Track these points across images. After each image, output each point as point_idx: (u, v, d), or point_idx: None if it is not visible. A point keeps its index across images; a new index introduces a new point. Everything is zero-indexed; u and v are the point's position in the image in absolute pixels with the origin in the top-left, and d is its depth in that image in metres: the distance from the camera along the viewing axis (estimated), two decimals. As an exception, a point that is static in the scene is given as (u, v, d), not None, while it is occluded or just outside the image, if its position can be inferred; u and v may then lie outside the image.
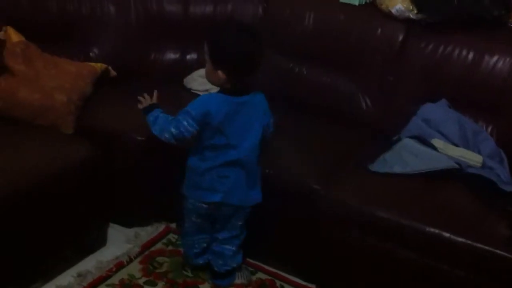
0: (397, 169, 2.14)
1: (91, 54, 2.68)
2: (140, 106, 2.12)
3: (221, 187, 2.06)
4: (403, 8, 2.45)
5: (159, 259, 2.37)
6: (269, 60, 2.72)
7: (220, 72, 1.95)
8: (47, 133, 2.24)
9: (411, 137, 2.24)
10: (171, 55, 2.85)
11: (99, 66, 2.54)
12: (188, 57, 2.87)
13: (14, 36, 2.41)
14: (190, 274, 2.29)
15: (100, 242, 2.42)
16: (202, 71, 2.75)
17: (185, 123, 1.98)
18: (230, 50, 1.93)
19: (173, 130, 2.00)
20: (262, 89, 2.65)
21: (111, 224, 2.49)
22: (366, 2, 2.65)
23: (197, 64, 2.84)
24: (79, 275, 2.24)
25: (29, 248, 2.05)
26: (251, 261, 2.37)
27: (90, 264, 2.30)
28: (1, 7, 2.44)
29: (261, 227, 2.27)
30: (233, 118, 2.00)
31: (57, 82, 2.34)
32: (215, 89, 2.65)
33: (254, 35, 1.97)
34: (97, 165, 2.22)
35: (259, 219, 2.25)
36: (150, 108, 2.10)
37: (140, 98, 2.13)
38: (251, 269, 2.34)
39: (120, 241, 2.45)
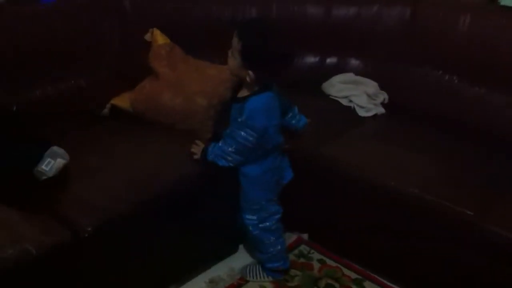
0: None
1: (230, 57, 2.67)
2: (196, 157, 2.06)
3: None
4: None
5: (291, 271, 2.29)
6: (416, 70, 2.58)
7: (251, 72, 1.90)
8: (186, 138, 2.24)
9: None
10: (311, 59, 2.76)
11: (238, 69, 2.51)
12: (328, 61, 2.76)
13: (160, 38, 2.46)
14: (322, 291, 2.21)
15: (231, 248, 2.40)
16: (341, 77, 2.69)
17: (243, 133, 1.94)
18: (268, 55, 1.87)
19: (230, 149, 1.97)
20: (406, 102, 2.53)
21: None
22: (531, 5, 2.38)
23: (337, 69, 2.75)
24: (211, 281, 2.24)
25: (162, 251, 2.06)
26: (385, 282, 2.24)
27: (222, 271, 2.29)
28: (148, 11, 2.49)
29: (398, 248, 2.14)
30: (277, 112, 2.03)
31: (198, 86, 2.33)
32: (356, 97, 2.58)
33: (286, 37, 1.97)
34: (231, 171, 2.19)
35: (401, 239, 2.12)
36: (205, 153, 2.04)
37: (192, 149, 2.08)
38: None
39: (250, 249, 2.40)
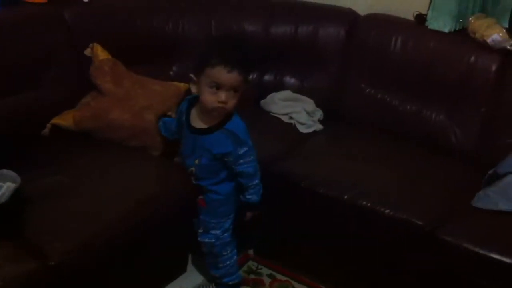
0: (503, 207, 2.05)
1: (171, 73, 2.63)
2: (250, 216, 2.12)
3: None
4: (499, 38, 2.38)
5: (243, 288, 2.30)
6: (351, 87, 2.69)
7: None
8: (137, 156, 2.18)
9: (518, 173, 2.16)
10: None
11: (183, 86, 2.46)
12: (266, 78, 2.81)
13: (101, 53, 2.36)
14: (278, 306, 2.23)
15: (180, 269, 2.35)
16: (282, 94, 2.74)
17: (253, 157, 2.00)
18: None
19: (259, 176, 2.05)
20: (341, 118, 2.64)
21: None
22: (455, 29, 2.57)
23: (274, 86, 2.80)
24: (165, 303, 2.19)
25: (118, 276, 1.98)
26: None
27: (174, 292, 2.25)
28: (87, 24, 2.39)
29: (349, 259, 2.23)
30: None
31: (146, 101, 2.28)
32: (297, 114, 2.64)
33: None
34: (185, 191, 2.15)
35: (352, 250, 2.21)
36: (253, 205, 2.09)
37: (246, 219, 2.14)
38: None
39: (199, 269, 2.38)
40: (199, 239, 2.16)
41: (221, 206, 2.10)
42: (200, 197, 2.11)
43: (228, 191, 2.07)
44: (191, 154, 2.04)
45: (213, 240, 2.12)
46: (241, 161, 1.98)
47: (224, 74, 1.84)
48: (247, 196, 2.05)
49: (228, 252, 2.17)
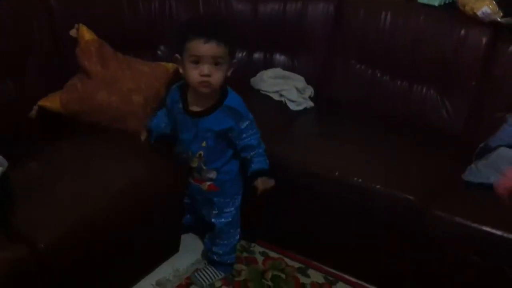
0: (494, 180, 2.06)
1: (159, 52, 2.60)
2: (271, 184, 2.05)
3: None
4: (489, 11, 2.36)
5: (237, 266, 2.30)
6: (341, 64, 2.66)
7: (229, 74, 1.91)
8: (125, 138, 2.15)
9: (508, 146, 2.15)
10: (238, 54, 2.75)
11: (171, 66, 2.43)
12: (255, 56, 2.78)
13: (86, 34, 2.32)
14: (270, 283, 2.23)
15: (173, 248, 2.35)
16: (272, 72, 2.72)
17: (255, 129, 2.00)
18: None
19: (263, 147, 2.03)
20: (332, 96, 2.63)
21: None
22: (445, 3, 2.55)
23: (264, 64, 2.78)
24: (158, 283, 2.19)
25: (110, 260, 1.97)
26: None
27: (167, 272, 2.25)
28: (76, 7, 2.35)
29: (342, 236, 2.23)
30: None
31: (133, 83, 2.26)
32: (287, 91, 2.63)
33: None
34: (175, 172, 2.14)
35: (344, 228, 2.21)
36: (261, 172, 2.02)
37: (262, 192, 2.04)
38: (331, 278, 2.28)
39: (192, 248, 2.38)
40: (213, 220, 2.14)
41: (232, 184, 2.12)
42: (208, 183, 2.09)
43: (237, 168, 2.09)
44: (194, 140, 2.00)
45: (229, 219, 2.13)
46: (244, 135, 1.97)
47: (201, 46, 1.80)
48: (254, 166, 2.01)
49: (235, 229, 2.19)
